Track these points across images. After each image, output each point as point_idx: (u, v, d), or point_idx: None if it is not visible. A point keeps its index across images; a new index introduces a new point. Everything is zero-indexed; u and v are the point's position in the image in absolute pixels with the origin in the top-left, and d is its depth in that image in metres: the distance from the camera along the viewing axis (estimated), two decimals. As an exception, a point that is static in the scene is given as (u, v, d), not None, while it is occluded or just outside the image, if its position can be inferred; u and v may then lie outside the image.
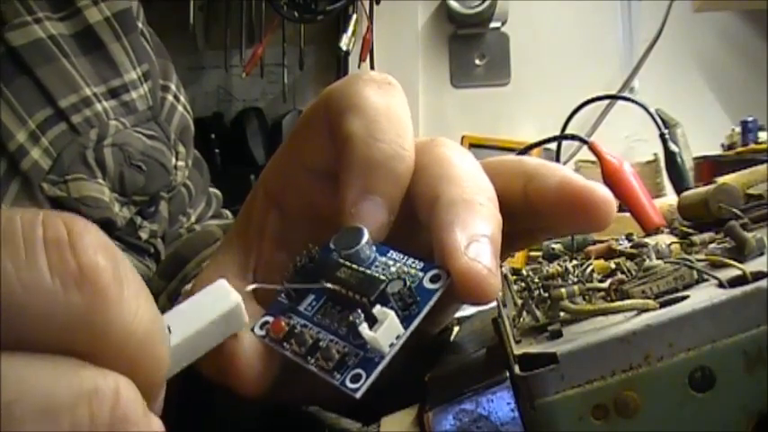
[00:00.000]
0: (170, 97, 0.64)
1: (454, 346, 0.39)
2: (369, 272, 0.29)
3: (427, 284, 0.28)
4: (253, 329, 0.30)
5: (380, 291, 0.27)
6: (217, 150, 1.67)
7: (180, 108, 0.65)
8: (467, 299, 0.27)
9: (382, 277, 0.28)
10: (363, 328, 0.26)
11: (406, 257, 0.29)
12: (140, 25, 0.61)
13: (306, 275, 0.30)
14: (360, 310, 0.27)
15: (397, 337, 0.26)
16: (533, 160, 0.34)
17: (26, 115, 0.50)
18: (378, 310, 0.26)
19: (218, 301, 0.25)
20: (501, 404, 0.26)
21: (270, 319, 0.30)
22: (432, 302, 0.27)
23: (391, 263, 0.29)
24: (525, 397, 0.25)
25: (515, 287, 0.36)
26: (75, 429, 0.18)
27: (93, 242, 0.20)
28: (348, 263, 0.29)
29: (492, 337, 0.34)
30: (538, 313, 0.29)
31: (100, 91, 0.55)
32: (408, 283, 0.27)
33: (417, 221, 0.31)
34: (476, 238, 0.27)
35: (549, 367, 0.24)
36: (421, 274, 0.28)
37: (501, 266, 0.32)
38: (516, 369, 0.25)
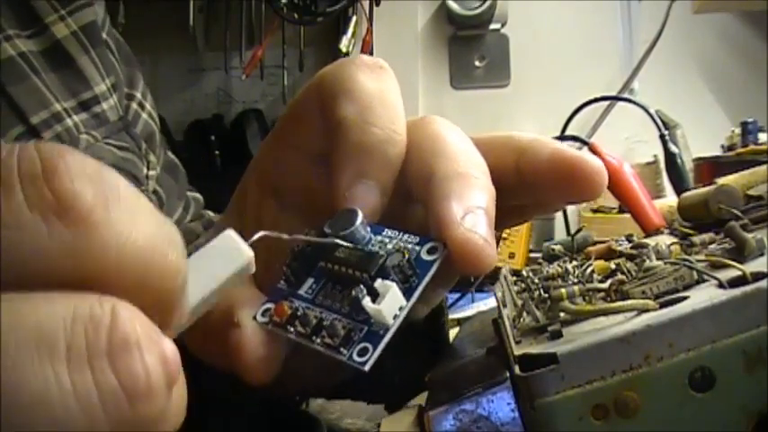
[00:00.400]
0: (134, 105, 0.64)
1: (454, 348, 0.39)
2: (367, 249, 0.29)
3: (425, 256, 0.28)
4: (255, 317, 0.30)
5: (380, 265, 0.28)
6: (217, 152, 1.67)
7: (144, 115, 0.65)
8: (464, 269, 0.28)
9: (381, 252, 0.28)
10: (367, 302, 0.26)
11: (401, 234, 0.29)
12: (105, 36, 0.61)
13: (304, 260, 0.30)
14: (361, 286, 0.27)
15: (400, 309, 0.26)
16: (525, 135, 0.34)
17: None
18: (379, 283, 0.27)
19: (231, 257, 0.24)
20: (501, 404, 0.26)
21: (271, 305, 0.30)
22: (431, 273, 0.27)
23: (387, 240, 0.29)
24: (525, 397, 0.25)
25: (515, 288, 0.36)
26: (74, 358, 0.18)
27: (67, 169, 0.19)
28: (345, 243, 0.29)
29: (492, 338, 0.34)
30: (538, 314, 0.29)
31: (70, 105, 0.55)
32: (407, 256, 0.27)
33: (409, 199, 0.31)
34: (471, 209, 0.28)
35: (550, 367, 0.24)
36: (418, 247, 0.28)
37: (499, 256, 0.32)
38: (516, 369, 0.25)
